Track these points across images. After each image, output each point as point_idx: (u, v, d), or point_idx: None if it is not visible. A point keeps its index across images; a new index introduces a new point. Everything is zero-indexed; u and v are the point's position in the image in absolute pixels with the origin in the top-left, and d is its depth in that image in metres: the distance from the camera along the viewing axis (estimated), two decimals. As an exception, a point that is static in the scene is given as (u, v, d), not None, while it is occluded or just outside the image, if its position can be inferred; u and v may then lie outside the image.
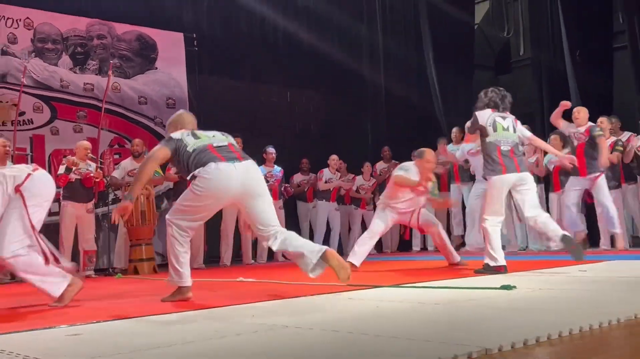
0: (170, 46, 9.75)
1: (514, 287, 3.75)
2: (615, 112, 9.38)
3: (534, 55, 11.43)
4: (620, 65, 10.24)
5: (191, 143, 3.97)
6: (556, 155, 6.19)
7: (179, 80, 9.77)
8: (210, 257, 8.83)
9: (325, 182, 9.85)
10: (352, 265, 5.89)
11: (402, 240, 10.51)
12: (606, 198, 7.35)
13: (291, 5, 11.16)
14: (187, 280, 3.98)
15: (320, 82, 11.36)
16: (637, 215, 8.06)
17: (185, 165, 3.94)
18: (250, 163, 3.97)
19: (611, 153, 7.76)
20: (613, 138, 8.04)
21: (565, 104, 7.17)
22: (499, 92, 5.42)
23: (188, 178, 3.93)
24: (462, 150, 8.60)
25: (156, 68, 9.61)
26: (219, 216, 8.60)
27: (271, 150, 9.17)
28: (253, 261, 8.86)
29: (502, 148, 5.17)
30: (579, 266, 5.39)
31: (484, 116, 5.28)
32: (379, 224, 6.25)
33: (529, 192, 5.20)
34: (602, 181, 7.37)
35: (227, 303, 3.74)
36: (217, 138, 4.09)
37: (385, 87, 12.05)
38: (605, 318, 2.50)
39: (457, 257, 6.28)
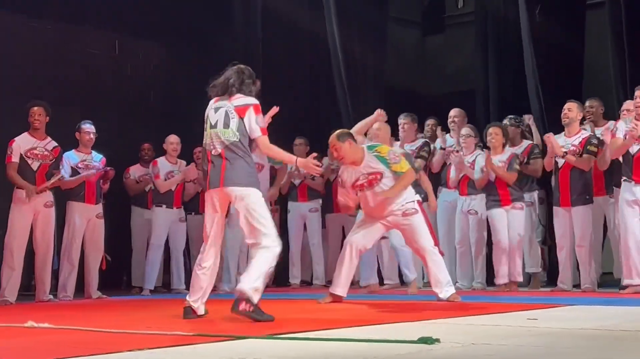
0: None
1: (437, 341, 3.87)
2: (587, 89, 9.87)
3: (477, 9, 11.80)
4: (594, 27, 10.76)
5: None
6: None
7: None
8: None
9: (166, 179, 9.70)
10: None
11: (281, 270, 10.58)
12: None
13: None
14: None
15: (166, 29, 11.23)
16: (616, 239, 8.49)
17: None
18: None
19: (582, 155, 8.22)
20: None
21: None
22: (250, 72, 5.74)
23: None
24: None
25: None
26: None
27: (89, 127, 8.96)
28: (50, 296, 8.65)
29: (212, 153, 5.56)
30: (529, 312, 5.66)
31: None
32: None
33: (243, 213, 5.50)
34: None
35: (7, 358, 3.63)
36: None
37: (264, 43, 12.07)
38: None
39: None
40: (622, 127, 7.80)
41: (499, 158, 8.61)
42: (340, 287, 7.12)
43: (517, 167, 8.63)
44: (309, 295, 8.62)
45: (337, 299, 7.07)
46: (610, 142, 7.92)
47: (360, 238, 7.14)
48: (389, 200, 6.93)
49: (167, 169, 9.73)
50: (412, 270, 8.58)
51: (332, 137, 6.98)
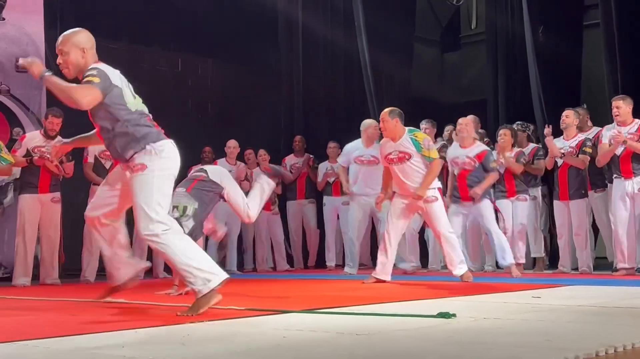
0: (24, -9, 9.45)
1: (454, 315, 3.88)
2: (583, 101, 9.77)
3: (488, 29, 11.75)
4: (590, 45, 10.68)
5: (131, 102, 4.47)
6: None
7: (34, 36, 9.48)
8: (67, 271, 8.65)
9: None
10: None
11: (319, 255, 10.61)
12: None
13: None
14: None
15: (221, 48, 11.30)
16: (604, 228, 8.44)
17: (122, 125, 4.34)
18: None
19: (579, 155, 8.14)
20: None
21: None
22: None
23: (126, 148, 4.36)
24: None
25: (3, 19, 9.31)
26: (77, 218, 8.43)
27: (155, 133, 9.05)
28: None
29: None
30: (533, 291, 5.65)
31: None
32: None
33: None
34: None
35: (88, 329, 3.68)
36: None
37: (304, 61, 12.09)
38: (560, 355, 2.63)
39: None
40: (607, 134, 7.81)
41: (507, 155, 8.52)
42: (384, 274, 7.14)
43: (523, 161, 8.55)
44: (343, 276, 8.63)
45: (380, 282, 7.09)
46: (599, 147, 7.94)
47: (395, 228, 7.16)
48: (412, 177, 6.97)
49: (226, 169, 9.75)
50: (508, 257, 7.95)
51: (385, 111, 7.13)
